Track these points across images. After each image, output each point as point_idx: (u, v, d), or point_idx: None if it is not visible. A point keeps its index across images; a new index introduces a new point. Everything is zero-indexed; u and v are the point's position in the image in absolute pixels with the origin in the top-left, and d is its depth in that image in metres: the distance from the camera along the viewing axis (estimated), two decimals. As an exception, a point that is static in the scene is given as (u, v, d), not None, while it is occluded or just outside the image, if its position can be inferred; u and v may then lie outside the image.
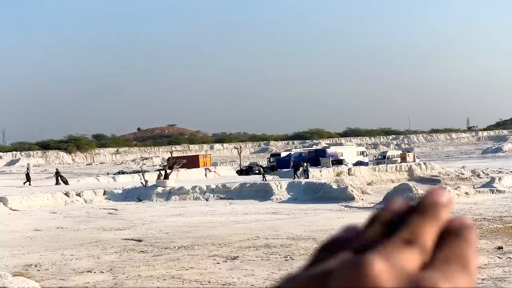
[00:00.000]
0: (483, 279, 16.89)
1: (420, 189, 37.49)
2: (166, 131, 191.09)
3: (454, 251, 0.69)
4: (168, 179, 47.02)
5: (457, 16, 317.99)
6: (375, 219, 0.71)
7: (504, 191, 39.52)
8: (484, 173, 54.00)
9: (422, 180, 50.38)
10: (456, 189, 39.20)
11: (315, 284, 0.66)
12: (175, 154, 72.35)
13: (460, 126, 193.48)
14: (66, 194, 41.65)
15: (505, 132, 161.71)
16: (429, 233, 0.70)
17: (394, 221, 0.70)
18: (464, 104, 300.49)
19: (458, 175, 53.22)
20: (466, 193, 38.46)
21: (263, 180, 46.80)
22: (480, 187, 41.91)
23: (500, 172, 55.08)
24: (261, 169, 52.36)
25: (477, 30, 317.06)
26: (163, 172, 49.64)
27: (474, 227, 0.72)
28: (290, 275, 0.68)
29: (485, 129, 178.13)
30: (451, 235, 0.71)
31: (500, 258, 19.81)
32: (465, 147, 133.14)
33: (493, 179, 43.04)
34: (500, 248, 21.44)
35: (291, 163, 52.86)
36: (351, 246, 0.70)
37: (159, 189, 43.68)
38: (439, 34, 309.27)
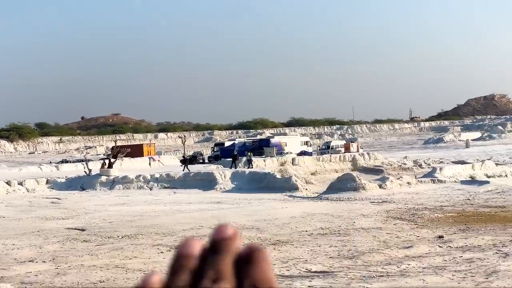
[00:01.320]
0: (424, 268, 17.20)
1: (363, 179, 37.94)
2: (110, 120, 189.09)
3: (256, 277, 0.75)
4: (112, 168, 46.62)
5: (398, 8, 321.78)
6: (178, 269, 0.75)
7: (445, 181, 40.22)
8: (425, 163, 54.89)
9: (366, 170, 50.96)
10: (398, 179, 39.76)
11: None
12: (119, 143, 71.69)
13: (403, 117, 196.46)
14: (8, 183, 40.89)
15: (446, 123, 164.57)
16: (228, 268, 0.75)
17: (198, 265, 0.76)
18: (407, 95, 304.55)
19: (400, 165, 53.97)
20: (408, 183, 39.03)
21: (184, 170, 47.14)
22: (421, 177, 42.58)
23: (441, 162, 56.08)
24: (186, 160, 52.14)
25: (417, 22, 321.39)
26: (107, 161, 49.19)
27: (263, 249, 0.78)
28: None
29: (427, 120, 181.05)
30: (246, 263, 0.76)
31: (440, 247, 20.18)
32: (407, 137, 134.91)
33: (434, 169, 43.76)
34: (440, 237, 21.84)
35: (233, 153, 52.76)
36: None
37: (103, 178, 43.24)
38: (380, 28, 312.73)
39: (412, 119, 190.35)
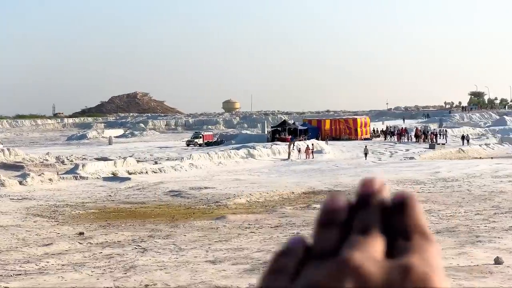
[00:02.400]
0: (63, 265, 16.98)
1: (2, 176, 36.45)
2: None
3: (407, 225, 0.72)
4: None
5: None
6: (326, 224, 0.72)
7: (87, 177, 40.25)
8: (68, 159, 54.47)
9: (5, 166, 48.96)
10: (40, 175, 38.87)
11: None
12: None
13: (46, 112, 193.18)
14: None
15: (90, 119, 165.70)
16: (376, 220, 0.72)
17: (344, 220, 0.72)
18: (50, 91, 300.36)
19: (42, 161, 52.83)
20: (50, 179, 38.34)
21: None
22: (64, 173, 42.12)
23: (84, 158, 56.11)
24: None
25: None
26: None
27: (414, 195, 0.74)
28: None
29: (70, 116, 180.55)
30: (397, 211, 0.73)
31: (81, 243, 20.11)
32: (50, 133, 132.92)
33: (77, 166, 43.56)
34: (81, 233, 21.77)
35: None
36: (315, 253, 0.70)
37: None
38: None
39: (55, 115, 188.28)
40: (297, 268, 0.70)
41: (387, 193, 0.75)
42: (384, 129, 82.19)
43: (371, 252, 0.68)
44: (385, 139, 77.66)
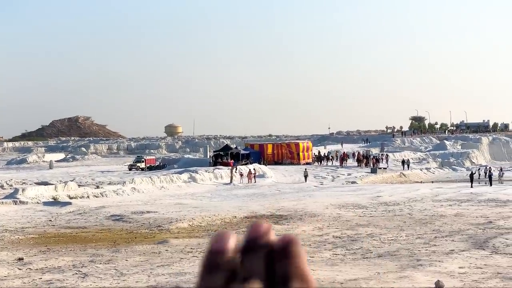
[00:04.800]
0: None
1: None
2: None
3: (287, 270, 0.74)
4: None
5: None
6: (212, 267, 0.74)
7: (27, 202, 39.55)
8: (8, 184, 53.47)
9: None
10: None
11: None
12: None
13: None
14: None
15: (30, 143, 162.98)
16: (260, 268, 0.74)
17: (232, 262, 0.75)
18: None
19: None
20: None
21: None
22: (3, 198, 41.28)
23: (24, 183, 55.16)
24: None
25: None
26: None
27: (296, 239, 0.77)
28: None
29: (10, 140, 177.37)
30: (279, 257, 0.75)
31: (20, 269, 19.72)
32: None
33: (16, 190, 42.80)
34: (20, 259, 21.35)
35: None
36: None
37: None
38: None
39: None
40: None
41: (273, 237, 0.77)
42: (316, 154, 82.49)
43: None
44: (320, 163, 78.06)
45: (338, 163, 77.21)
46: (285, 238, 0.76)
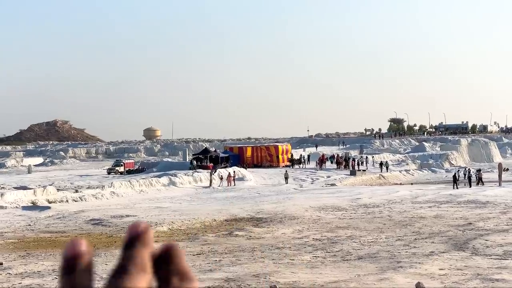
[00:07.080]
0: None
1: None
2: None
3: (168, 270, 0.82)
4: None
5: None
6: (68, 269, 0.83)
7: (6, 207, 39.26)
8: (-15, 188, 53.00)
9: None
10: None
11: None
12: None
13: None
14: None
15: (8, 148, 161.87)
16: (146, 261, 0.82)
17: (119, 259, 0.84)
18: None
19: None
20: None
21: None
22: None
23: (3, 188, 54.72)
24: None
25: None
26: None
27: (176, 245, 0.84)
28: None
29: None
30: (162, 262, 0.83)
31: (0, 274, 19.57)
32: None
33: (-6, 195, 42.46)
34: (0, 264, 21.20)
35: None
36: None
37: None
38: None
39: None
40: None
41: (152, 237, 0.83)
42: (290, 157, 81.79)
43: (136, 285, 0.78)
44: (292, 167, 77.29)
45: (313, 166, 77.23)
46: (165, 245, 0.83)
